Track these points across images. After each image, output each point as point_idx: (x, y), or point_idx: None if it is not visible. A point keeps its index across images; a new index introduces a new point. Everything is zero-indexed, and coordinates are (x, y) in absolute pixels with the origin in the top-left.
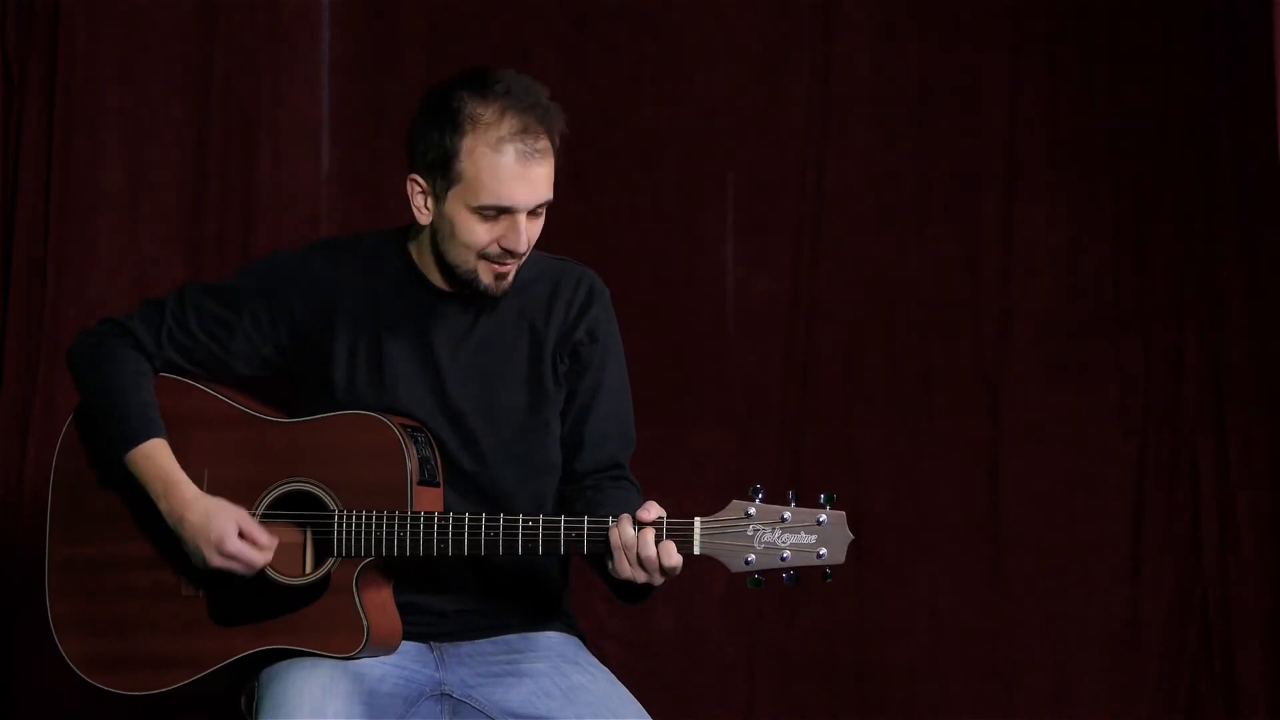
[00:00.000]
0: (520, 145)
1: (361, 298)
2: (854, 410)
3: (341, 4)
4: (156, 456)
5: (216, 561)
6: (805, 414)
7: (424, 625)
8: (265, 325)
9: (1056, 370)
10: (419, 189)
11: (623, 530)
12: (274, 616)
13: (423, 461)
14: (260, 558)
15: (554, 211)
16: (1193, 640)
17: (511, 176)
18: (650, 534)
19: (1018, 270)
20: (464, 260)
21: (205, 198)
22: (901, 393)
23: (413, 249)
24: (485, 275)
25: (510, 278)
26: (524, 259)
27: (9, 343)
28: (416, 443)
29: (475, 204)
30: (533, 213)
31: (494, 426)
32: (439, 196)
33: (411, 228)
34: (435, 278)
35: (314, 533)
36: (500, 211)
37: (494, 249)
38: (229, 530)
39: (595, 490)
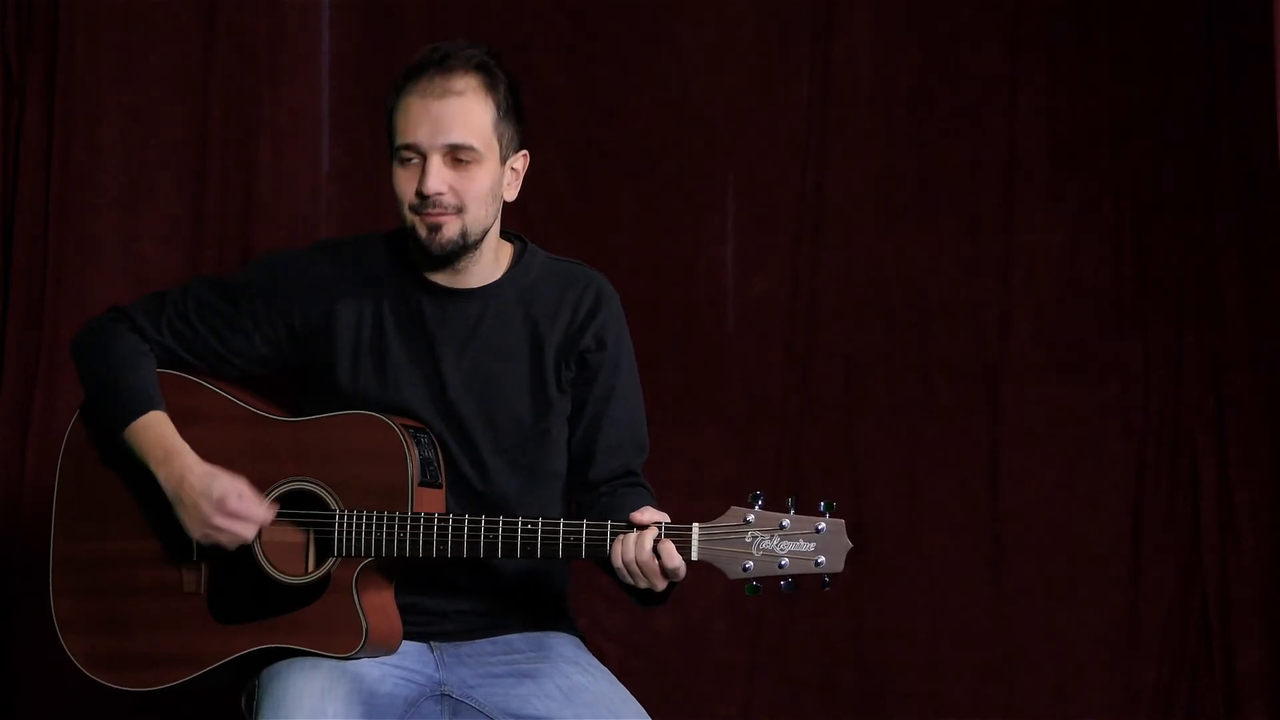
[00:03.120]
0: (425, 84)
1: (364, 298)
2: (854, 410)
3: (341, 4)
4: (156, 427)
5: (217, 520)
6: (805, 414)
7: (424, 625)
8: (264, 324)
9: (1056, 370)
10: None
11: (623, 543)
12: (274, 615)
13: (424, 463)
14: (259, 520)
15: (554, 211)
16: (1193, 640)
17: (416, 113)
18: (648, 536)
19: (1018, 270)
20: (405, 218)
21: (205, 198)
22: (901, 393)
23: (412, 247)
24: (420, 230)
25: (449, 233)
26: (465, 215)
27: (9, 343)
28: (419, 444)
29: (395, 150)
30: (456, 160)
31: (495, 432)
32: (390, 161)
33: None
34: (434, 274)
35: (315, 532)
36: (412, 152)
37: (414, 198)
38: (231, 489)
39: (610, 497)
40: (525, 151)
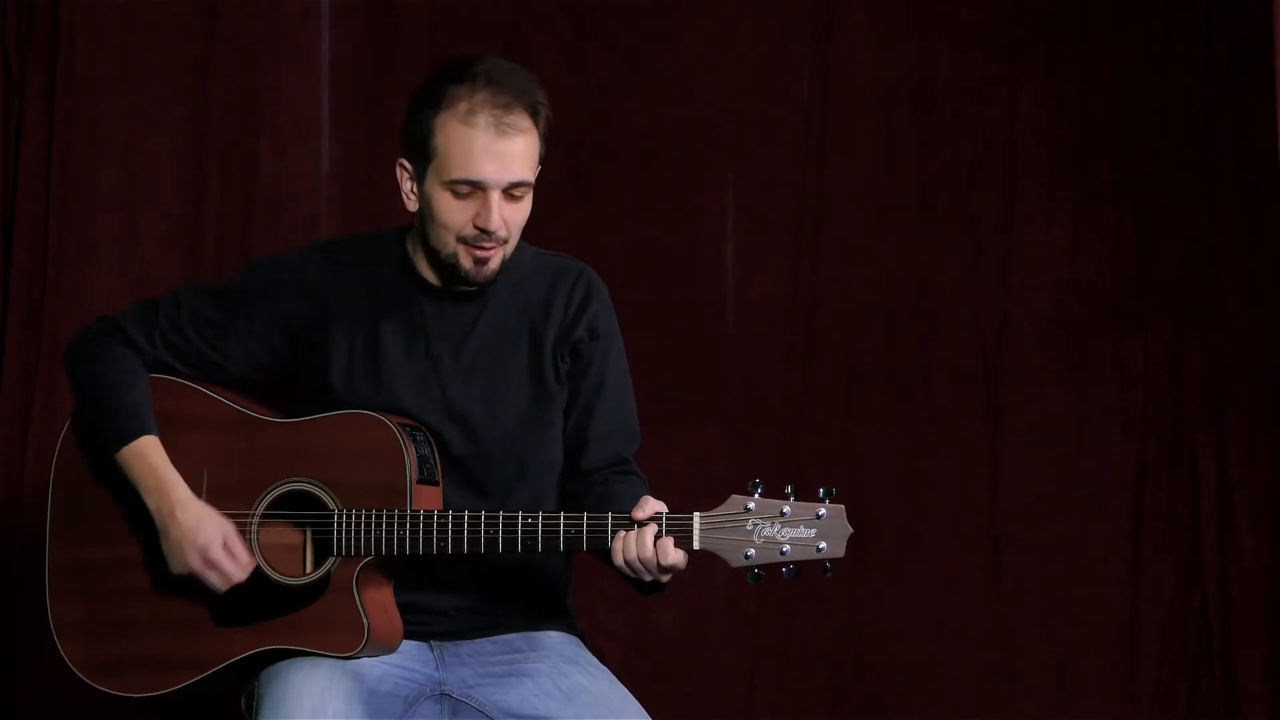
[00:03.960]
0: (489, 118)
1: (358, 298)
2: (854, 410)
3: (341, 4)
4: (148, 455)
5: (195, 564)
6: (805, 414)
7: (424, 625)
8: (260, 329)
9: (1056, 370)
10: (405, 173)
11: (624, 541)
12: (274, 617)
13: (422, 460)
14: (237, 574)
15: (554, 211)
16: (1193, 640)
17: (481, 149)
18: (649, 533)
19: (1018, 270)
20: (444, 244)
21: (205, 198)
22: (901, 393)
23: (410, 248)
24: (465, 260)
25: (493, 265)
26: (507, 245)
27: (9, 343)
28: (415, 441)
29: (447, 179)
30: (511, 195)
31: (496, 426)
32: (420, 178)
33: (409, 227)
34: (431, 275)
35: (313, 532)
36: (472, 187)
37: (469, 230)
38: (215, 538)
39: (603, 485)
40: (540, 166)
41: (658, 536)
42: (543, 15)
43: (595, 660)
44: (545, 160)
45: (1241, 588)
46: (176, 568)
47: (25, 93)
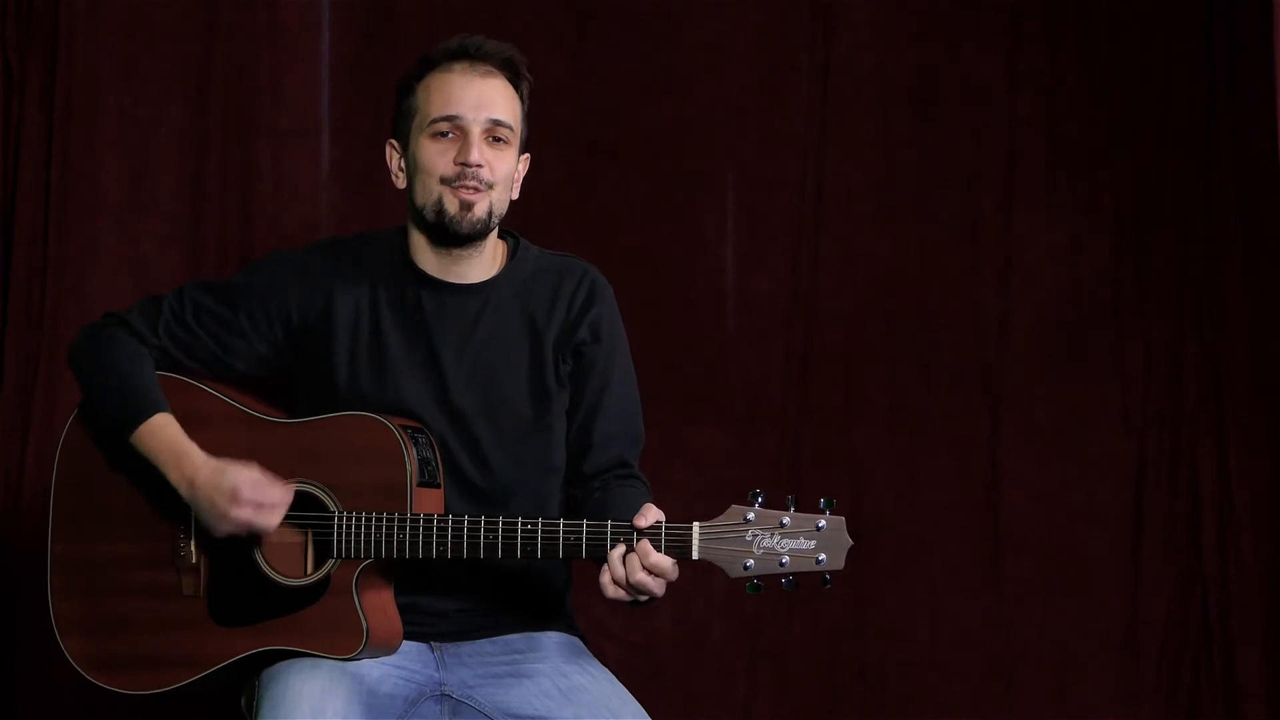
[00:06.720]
0: (466, 64)
1: (362, 296)
2: (854, 410)
3: (341, 4)
4: (163, 430)
5: (236, 513)
6: (805, 414)
7: (424, 625)
8: (263, 324)
9: (1057, 370)
10: (394, 151)
11: (612, 565)
12: (274, 617)
13: (423, 463)
14: (275, 502)
15: (554, 211)
16: (1193, 640)
17: (457, 88)
18: (636, 560)
19: (1018, 270)
20: (428, 192)
21: (205, 198)
22: (901, 392)
23: (408, 240)
24: (450, 204)
25: (479, 212)
26: (494, 194)
27: (9, 343)
28: (417, 444)
29: (428, 123)
30: (493, 139)
31: (496, 427)
32: (406, 146)
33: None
34: (433, 269)
35: (314, 534)
36: (451, 125)
37: (451, 170)
38: (242, 480)
39: (604, 491)
40: (528, 155)
41: (628, 551)
42: (544, 14)
43: (596, 661)
44: (545, 160)
45: (1241, 588)
46: (218, 529)
47: (25, 93)
